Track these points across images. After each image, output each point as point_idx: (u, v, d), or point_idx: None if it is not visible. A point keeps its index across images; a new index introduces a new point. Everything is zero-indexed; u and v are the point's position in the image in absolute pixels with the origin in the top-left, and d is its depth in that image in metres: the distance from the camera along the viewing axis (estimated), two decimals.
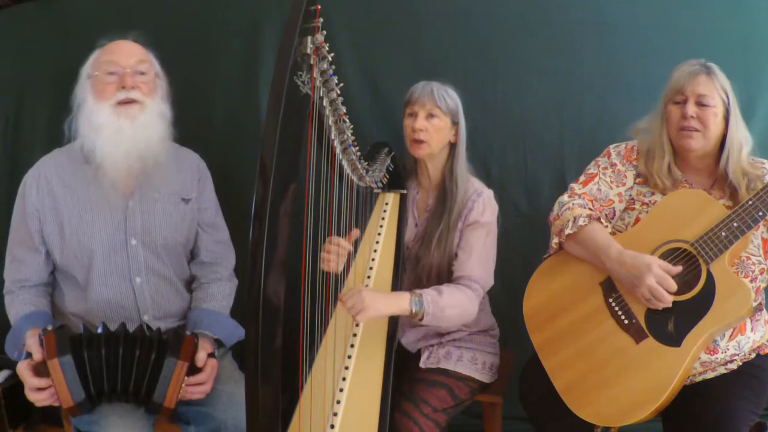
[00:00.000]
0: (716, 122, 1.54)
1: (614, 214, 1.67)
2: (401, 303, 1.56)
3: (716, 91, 1.54)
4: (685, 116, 1.55)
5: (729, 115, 1.55)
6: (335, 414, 1.47)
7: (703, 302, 1.45)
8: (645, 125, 1.68)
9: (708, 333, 1.43)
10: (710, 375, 1.54)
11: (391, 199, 1.86)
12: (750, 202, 1.45)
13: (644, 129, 1.68)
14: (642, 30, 2.13)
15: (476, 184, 1.78)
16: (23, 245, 1.64)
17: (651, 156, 1.63)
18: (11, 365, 2.22)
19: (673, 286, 1.45)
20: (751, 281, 1.52)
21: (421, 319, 1.58)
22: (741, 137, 1.57)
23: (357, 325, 1.64)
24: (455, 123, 1.75)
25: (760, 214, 1.44)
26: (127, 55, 1.61)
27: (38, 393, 1.43)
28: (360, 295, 1.49)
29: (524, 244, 2.13)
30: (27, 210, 1.63)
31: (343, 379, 1.53)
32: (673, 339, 1.45)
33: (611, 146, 1.73)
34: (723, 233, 1.45)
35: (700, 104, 1.54)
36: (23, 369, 1.44)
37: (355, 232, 1.65)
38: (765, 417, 1.82)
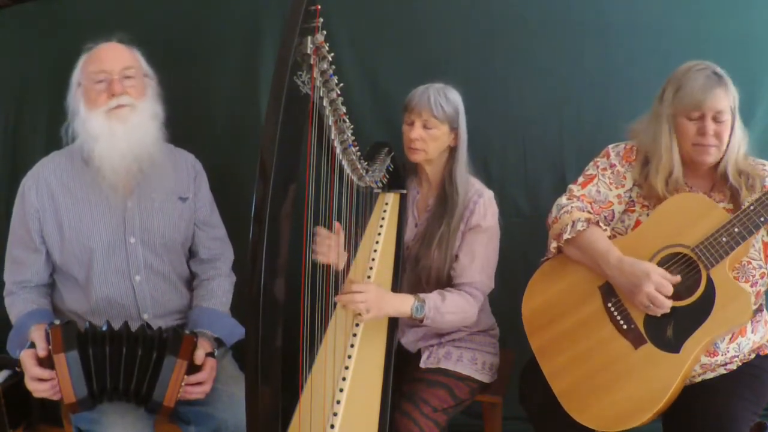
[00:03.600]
0: (728, 133, 1.50)
1: (613, 216, 1.63)
2: (404, 307, 1.59)
3: (729, 102, 1.49)
4: (703, 134, 1.48)
5: (734, 120, 1.51)
6: (335, 414, 1.47)
7: (703, 308, 1.42)
8: (641, 127, 1.62)
9: (707, 339, 1.42)
10: (710, 375, 1.54)
11: (391, 199, 1.85)
12: (752, 207, 1.41)
13: (642, 132, 1.61)
14: (642, 30, 2.12)
15: (477, 185, 1.78)
16: (23, 246, 1.65)
17: (654, 169, 1.56)
18: (11, 365, 2.23)
19: (671, 291, 1.43)
20: (752, 285, 1.50)
21: (421, 321, 1.61)
22: (740, 137, 1.53)
23: (357, 325, 1.64)
24: (454, 128, 1.73)
25: (762, 219, 1.40)
26: (113, 60, 1.61)
27: (38, 383, 1.43)
28: (369, 294, 1.51)
29: (524, 245, 2.13)
30: (27, 211, 1.63)
31: (343, 379, 1.53)
32: (672, 345, 1.43)
33: (610, 146, 1.68)
34: (724, 239, 1.42)
35: (717, 120, 1.48)
36: (26, 357, 1.44)
37: (337, 226, 1.62)
38: (765, 417, 1.82)
